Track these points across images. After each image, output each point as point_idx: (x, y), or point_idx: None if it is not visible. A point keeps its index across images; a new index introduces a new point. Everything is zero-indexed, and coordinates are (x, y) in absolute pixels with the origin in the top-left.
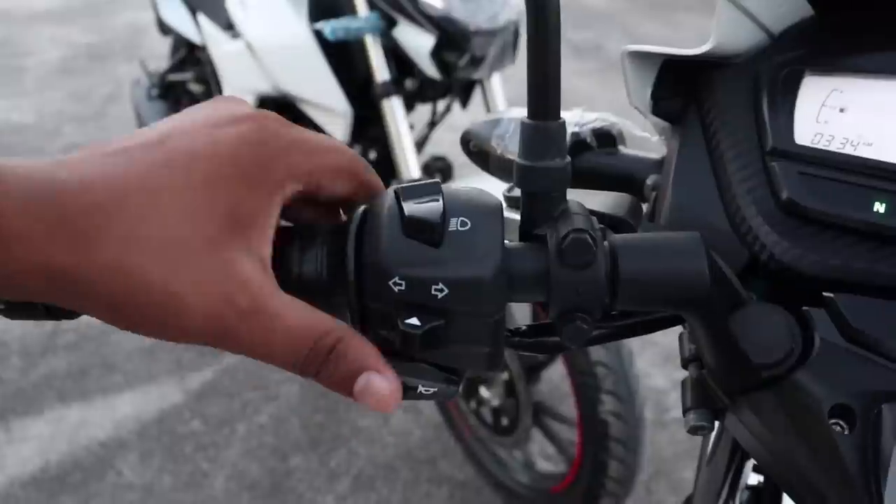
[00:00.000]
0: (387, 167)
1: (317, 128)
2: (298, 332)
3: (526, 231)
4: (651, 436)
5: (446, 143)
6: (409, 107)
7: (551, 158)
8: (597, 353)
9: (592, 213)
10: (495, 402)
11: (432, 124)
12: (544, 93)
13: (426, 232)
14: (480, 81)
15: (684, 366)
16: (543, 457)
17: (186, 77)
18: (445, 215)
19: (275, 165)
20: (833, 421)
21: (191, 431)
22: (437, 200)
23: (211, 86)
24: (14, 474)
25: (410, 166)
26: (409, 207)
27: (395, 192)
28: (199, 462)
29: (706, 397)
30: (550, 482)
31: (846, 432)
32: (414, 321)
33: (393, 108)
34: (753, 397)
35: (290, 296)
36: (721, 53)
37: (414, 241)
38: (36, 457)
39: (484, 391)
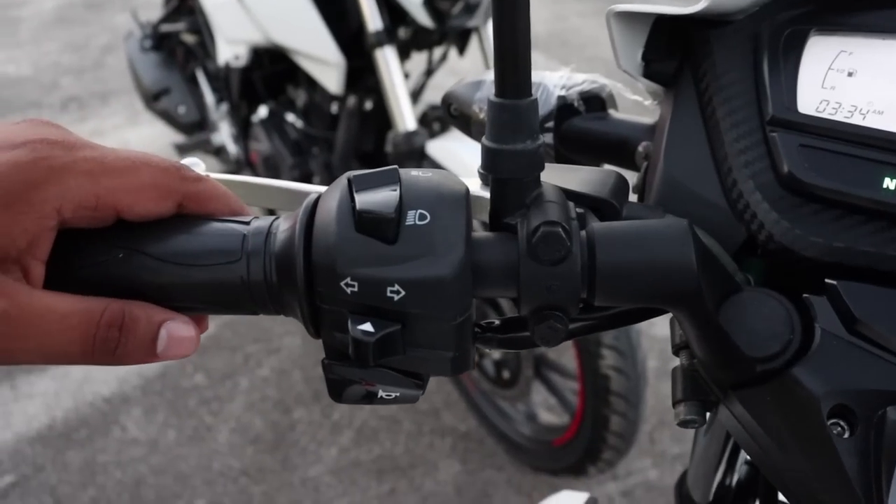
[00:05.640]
0: (382, 118)
1: (311, 80)
2: (76, 316)
3: (496, 219)
4: (654, 385)
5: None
6: (405, 55)
7: (522, 141)
8: None
9: (571, 194)
10: (496, 355)
11: (429, 73)
12: (513, 67)
13: (379, 227)
14: (476, 29)
15: (675, 352)
16: (546, 407)
17: (179, 27)
18: (402, 208)
19: (43, 190)
20: (832, 421)
21: (194, 386)
22: (394, 191)
23: (204, 36)
24: (21, 431)
25: (405, 117)
26: (362, 199)
27: (349, 180)
28: (203, 416)
29: (698, 388)
30: (553, 435)
31: (846, 434)
32: (367, 327)
33: (386, 57)
34: (747, 393)
35: (59, 293)
36: (718, 10)
37: (367, 237)
38: (42, 413)
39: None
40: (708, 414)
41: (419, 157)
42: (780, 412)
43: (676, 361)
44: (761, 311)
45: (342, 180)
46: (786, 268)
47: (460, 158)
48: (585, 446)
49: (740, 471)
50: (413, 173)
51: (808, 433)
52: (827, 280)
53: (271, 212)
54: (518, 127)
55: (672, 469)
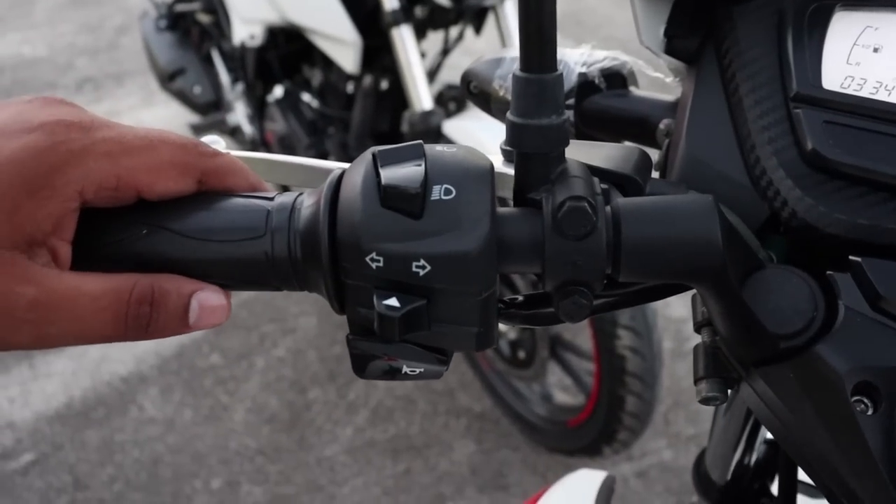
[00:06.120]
0: (398, 97)
1: (327, 59)
2: (106, 297)
3: (520, 195)
4: (670, 366)
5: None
6: (421, 34)
7: (547, 115)
8: None
9: (595, 170)
10: (512, 335)
11: (445, 52)
12: (539, 41)
13: (405, 202)
14: (493, 7)
15: (697, 330)
16: (561, 388)
17: (194, 7)
18: (427, 182)
19: (64, 174)
20: (856, 398)
21: (210, 366)
22: (419, 165)
23: (219, 15)
24: (40, 410)
25: (422, 96)
26: (387, 174)
27: (373, 155)
28: (219, 396)
29: (720, 365)
30: (568, 415)
31: (870, 412)
32: (392, 302)
33: (402, 36)
34: (770, 369)
35: (85, 272)
36: None
37: (392, 212)
38: (60, 393)
39: (501, 324)
40: (729, 392)
41: (435, 137)
42: (803, 389)
43: (691, 343)
44: (785, 288)
45: (367, 155)
46: (809, 245)
47: (477, 138)
48: (600, 427)
49: (759, 450)
50: (438, 148)
51: (831, 410)
52: (851, 257)
53: (286, 188)
54: (543, 101)
55: (687, 450)
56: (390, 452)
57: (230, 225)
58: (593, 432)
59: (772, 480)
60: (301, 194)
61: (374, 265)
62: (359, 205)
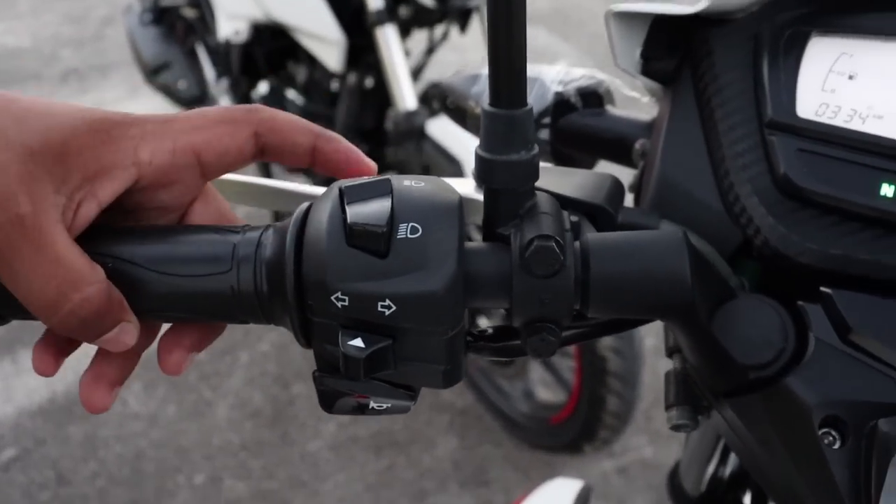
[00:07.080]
0: (383, 95)
1: (312, 57)
2: (76, 271)
3: (489, 229)
4: (652, 363)
5: (451, 65)
6: (406, 33)
7: (516, 151)
8: None
9: (566, 200)
10: None
11: (430, 51)
12: (507, 76)
13: (371, 241)
14: (477, 7)
15: (668, 355)
16: (543, 384)
17: (179, 2)
18: (393, 221)
19: (123, 128)
20: (824, 431)
21: (194, 361)
22: (386, 203)
23: (204, 12)
24: (22, 405)
25: (405, 95)
26: (353, 212)
27: (340, 190)
28: (203, 391)
29: (690, 393)
30: (550, 413)
31: (837, 445)
32: (358, 343)
33: (386, 36)
34: (739, 400)
35: (77, 246)
36: (719, 10)
37: (358, 251)
38: (43, 388)
39: (483, 321)
40: (699, 418)
41: (419, 137)
42: (771, 421)
43: None
44: (755, 319)
45: (334, 190)
46: (780, 273)
47: (459, 138)
48: (582, 425)
49: (733, 463)
50: (406, 183)
51: (799, 442)
52: (822, 288)
53: (277, 214)
54: (513, 137)
55: (668, 447)
56: (373, 448)
57: (196, 258)
58: (575, 430)
59: (745, 493)
60: (268, 228)
61: (339, 304)
62: (324, 244)
